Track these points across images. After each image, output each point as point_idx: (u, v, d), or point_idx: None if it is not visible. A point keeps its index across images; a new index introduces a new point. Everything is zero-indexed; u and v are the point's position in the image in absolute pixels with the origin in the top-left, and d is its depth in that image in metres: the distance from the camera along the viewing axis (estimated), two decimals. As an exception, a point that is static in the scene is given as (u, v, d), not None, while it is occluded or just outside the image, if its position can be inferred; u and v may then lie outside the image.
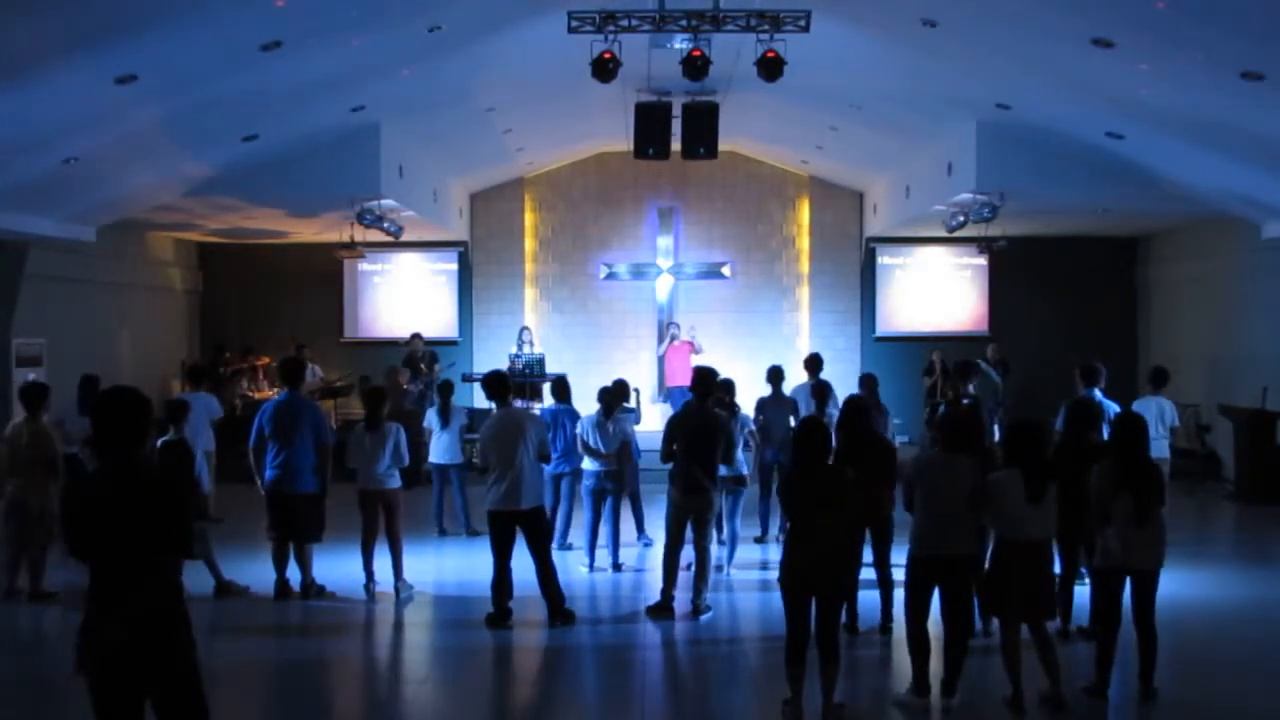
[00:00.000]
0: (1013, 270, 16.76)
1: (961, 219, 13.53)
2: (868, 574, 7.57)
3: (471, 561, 9.37)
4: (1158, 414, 9.26)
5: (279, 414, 8.21)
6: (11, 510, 8.32)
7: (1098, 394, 8.76)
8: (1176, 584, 7.64)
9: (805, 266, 17.71)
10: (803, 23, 8.94)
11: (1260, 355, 13.56)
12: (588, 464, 9.29)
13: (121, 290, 14.66)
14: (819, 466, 5.84)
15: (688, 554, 7.91)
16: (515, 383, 11.45)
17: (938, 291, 17.61)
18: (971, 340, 16.69)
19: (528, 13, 9.82)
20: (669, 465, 7.90)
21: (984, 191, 12.28)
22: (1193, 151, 10.75)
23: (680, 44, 9.77)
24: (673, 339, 16.14)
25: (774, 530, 10.10)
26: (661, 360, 16.80)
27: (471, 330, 17.62)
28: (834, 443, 7.53)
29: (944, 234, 14.91)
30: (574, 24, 9.01)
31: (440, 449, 10.66)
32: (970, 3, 8.77)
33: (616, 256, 17.54)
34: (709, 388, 8.10)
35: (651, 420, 16.02)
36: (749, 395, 10.93)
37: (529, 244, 17.71)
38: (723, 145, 13.11)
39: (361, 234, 13.89)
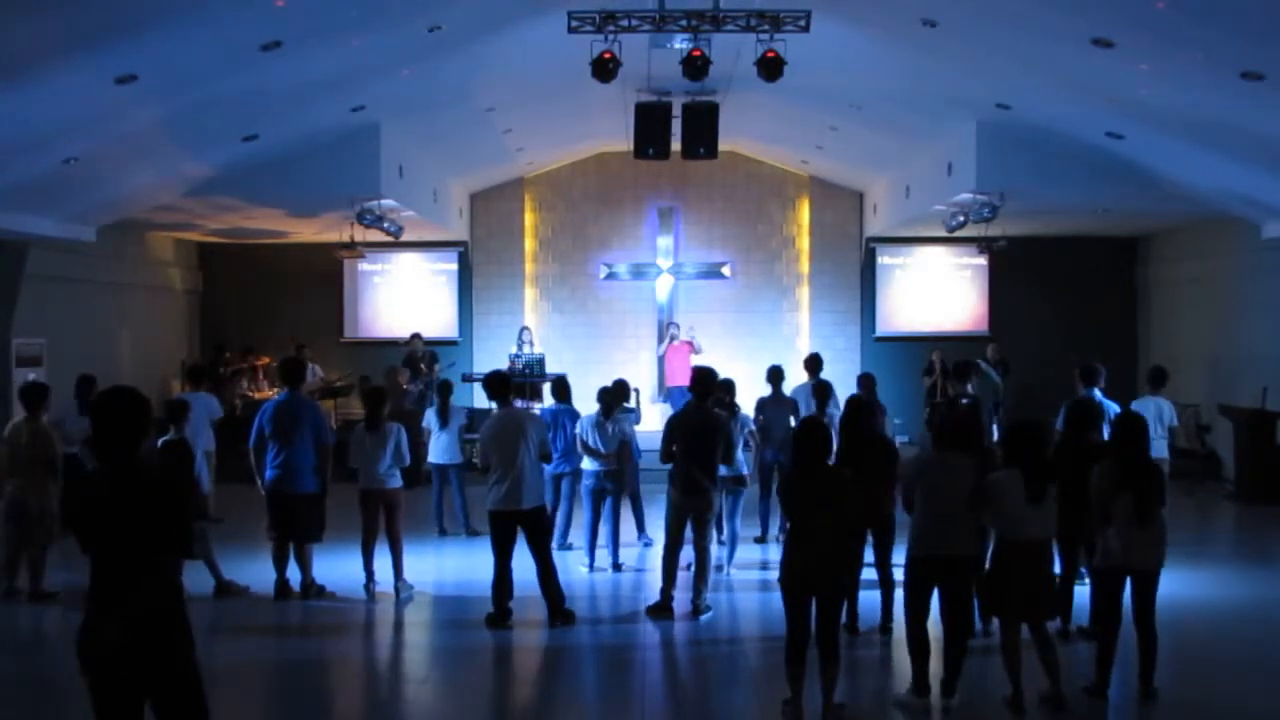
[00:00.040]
0: (1013, 270, 16.76)
1: (961, 219, 13.53)
2: (869, 574, 7.58)
3: (471, 561, 9.38)
4: (1156, 414, 9.25)
5: (279, 414, 8.21)
6: (11, 510, 8.32)
7: (1097, 394, 8.76)
8: (1176, 584, 7.64)
9: (805, 266, 17.71)
10: (803, 23, 8.94)
11: (1260, 355, 13.56)
12: (587, 464, 9.30)
13: (121, 290, 14.66)
14: (819, 466, 5.84)
15: (688, 554, 7.91)
16: (515, 383, 11.45)
17: (938, 291, 17.61)
18: (971, 340, 16.70)
19: (528, 13, 9.82)
20: (669, 465, 7.90)
21: (984, 191, 12.28)
22: (1193, 151, 10.75)
23: (680, 44, 9.77)
24: (672, 339, 16.15)
25: (774, 530, 10.10)
26: (661, 360, 16.80)
27: (471, 330, 17.62)
28: (836, 442, 7.56)
29: (944, 234, 14.91)
30: (574, 24, 9.01)
31: (439, 449, 10.66)
32: (970, 3, 8.78)
33: (616, 256, 17.54)
34: (708, 388, 8.10)
35: (651, 420, 16.03)
36: (749, 395, 10.94)
37: (529, 244, 17.71)
38: (723, 145, 13.12)
39: (361, 234, 13.89)
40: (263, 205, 13.43)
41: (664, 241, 17.39)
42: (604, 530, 9.30)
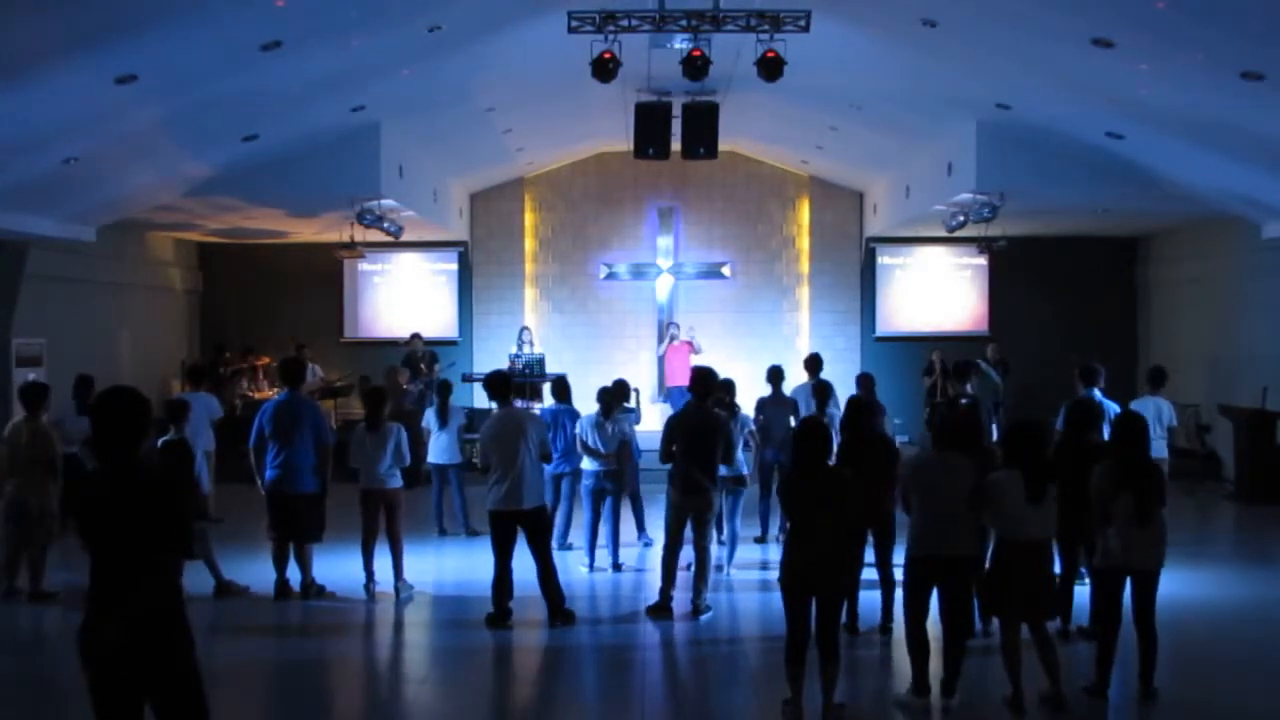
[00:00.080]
0: (1013, 270, 16.76)
1: (961, 219, 13.53)
2: (870, 574, 7.58)
3: (471, 561, 9.38)
4: (1155, 414, 9.25)
5: (279, 414, 8.21)
6: (11, 510, 8.32)
7: (1097, 394, 8.76)
8: (1176, 584, 7.64)
9: (805, 266, 17.71)
10: (803, 23, 8.93)
11: (1260, 355, 13.56)
12: (587, 464, 9.30)
13: (121, 290, 14.66)
14: (819, 466, 5.84)
15: (688, 554, 7.91)
16: (515, 383, 11.45)
17: (938, 291, 17.61)
18: (971, 340, 16.70)
19: (528, 13, 9.82)
20: (669, 465, 7.90)
21: (984, 191, 12.28)
22: (1193, 151, 10.75)
23: (680, 44, 9.77)
24: (672, 339, 16.15)
25: (774, 530, 10.10)
26: (661, 360, 16.80)
27: (471, 330, 17.62)
28: (837, 442, 7.56)
29: (944, 234, 14.91)
30: (574, 24, 9.01)
31: (439, 449, 10.66)
32: (970, 3, 8.78)
33: (616, 256, 17.54)
34: (708, 388, 8.10)
35: (651, 420, 16.02)
36: (749, 395, 10.94)
37: (529, 244, 17.71)
38: (723, 145, 13.11)
39: (361, 234, 13.89)
40: (263, 205, 13.42)
41: (664, 241, 17.39)
42: (604, 530, 9.30)
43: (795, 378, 11.54)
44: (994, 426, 12.12)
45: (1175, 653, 6.55)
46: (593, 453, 9.19)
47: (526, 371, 14.88)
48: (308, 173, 11.99)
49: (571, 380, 10.36)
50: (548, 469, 8.76)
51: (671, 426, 7.99)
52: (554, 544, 8.78)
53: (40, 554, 8.35)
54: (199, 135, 10.44)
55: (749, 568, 9.23)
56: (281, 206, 13.55)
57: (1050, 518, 5.85)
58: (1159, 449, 9.02)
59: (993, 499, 5.84)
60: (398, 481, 8.49)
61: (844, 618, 6.77)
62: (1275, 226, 12.38)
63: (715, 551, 8.73)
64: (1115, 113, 10.31)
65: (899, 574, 6.45)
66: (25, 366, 12.05)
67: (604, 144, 16.67)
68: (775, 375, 10.50)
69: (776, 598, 6.06)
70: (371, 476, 8.39)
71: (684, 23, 9.04)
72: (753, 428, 9.75)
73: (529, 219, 17.70)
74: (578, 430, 9.32)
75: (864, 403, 8.03)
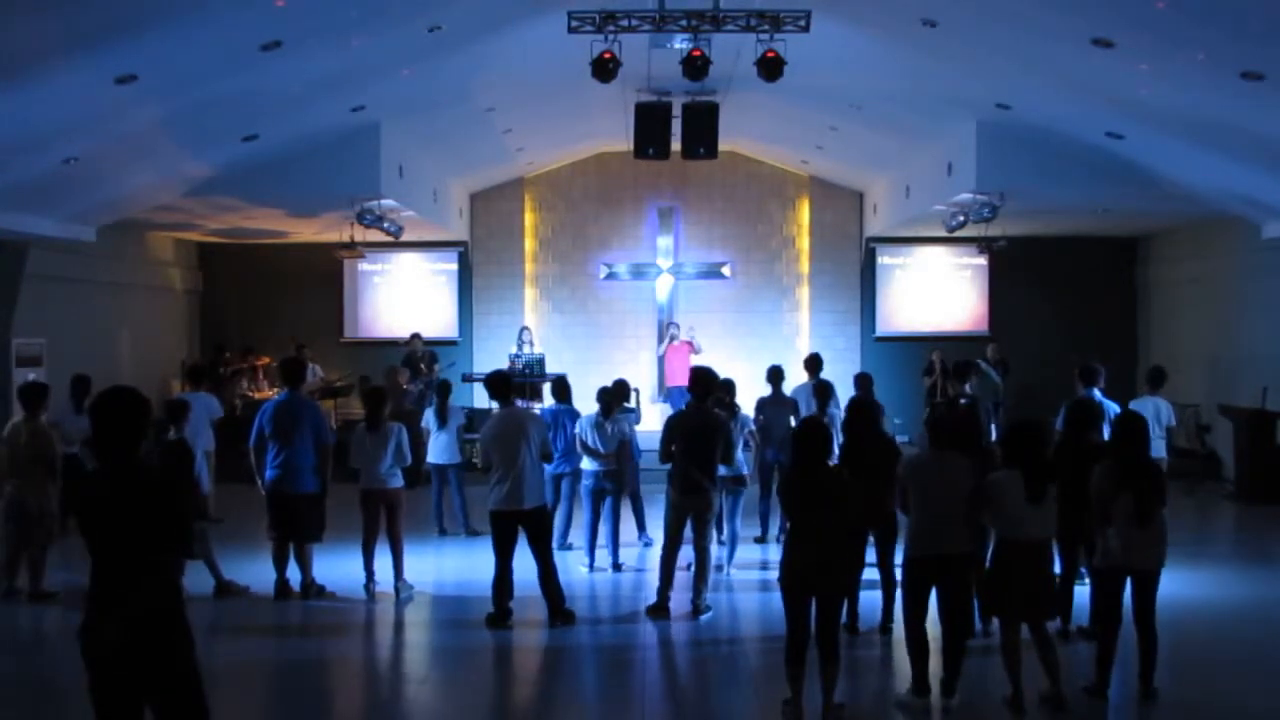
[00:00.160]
0: (1013, 270, 16.76)
1: (961, 219, 13.53)
2: (871, 574, 7.58)
3: (471, 561, 9.38)
4: (1155, 414, 9.25)
5: (279, 414, 8.21)
6: (11, 510, 8.32)
7: (1097, 394, 8.76)
8: (1176, 584, 7.63)
9: (805, 266, 17.71)
10: (803, 23, 8.93)
11: (1260, 355, 13.56)
12: (587, 464, 9.30)
13: (121, 290, 14.66)
14: (819, 466, 5.84)
15: (688, 554, 7.91)
16: (516, 383, 11.45)
17: (938, 291, 17.62)
18: (971, 340, 16.70)
19: (528, 13, 9.82)
20: (668, 465, 7.90)
21: (984, 191, 12.28)
22: (1193, 151, 10.75)
23: (680, 44, 9.77)
24: (672, 339, 16.15)
25: (774, 530, 10.10)
26: (661, 360, 16.80)
27: (471, 330, 17.62)
28: (839, 442, 7.55)
29: (944, 234, 14.91)
30: (574, 24, 9.01)
31: (438, 449, 10.66)
32: (970, 3, 8.78)
33: (616, 256, 17.54)
34: (707, 388, 8.10)
35: (651, 420, 16.02)
36: (749, 395, 10.94)
37: (529, 244, 17.71)
38: (723, 145, 13.11)
39: (361, 234, 13.89)
40: (263, 205, 13.42)
41: (664, 241, 17.39)
42: (604, 530, 9.30)
43: (795, 378, 11.54)
44: (993, 426, 12.13)
45: (1175, 653, 6.55)
46: (592, 453, 9.19)
47: (526, 371, 14.88)
48: (308, 173, 11.99)
49: (571, 380, 10.36)
50: (548, 469, 8.76)
51: (671, 426, 8.00)
52: (554, 544, 8.78)
53: (40, 554, 8.35)
54: (199, 135, 10.44)
55: (749, 568, 9.22)
56: (281, 206, 13.55)
57: (1050, 518, 5.86)
58: (1158, 449, 9.02)
59: (993, 499, 5.84)
60: (399, 481, 8.49)
61: (844, 618, 6.77)
62: (1275, 226, 12.38)
63: (715, 551, 8.73)
64: (1115, 113, 10.31)
65: (900, 574, 6.45)
66: (25, 366, 12.04)
67: (604, 144, 16.66)
68: (775, 375, 10.50)
69: (776, 598, 6.06)
70: (372, 476, 8.39)
71: (684, 23, 9.04)
72: (753, 428, 9.75)
73: (529, 219, 17.70)
74: (577, 430, 9.32)
75: (865, 403, 8.03)
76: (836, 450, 7.87)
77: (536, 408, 13.35)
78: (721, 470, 8.13)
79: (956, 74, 10.59)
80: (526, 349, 15.44)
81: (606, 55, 9.18)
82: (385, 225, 13.42)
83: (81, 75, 7.88)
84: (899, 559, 6.46)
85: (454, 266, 17.65)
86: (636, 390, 13.95)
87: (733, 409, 9.17)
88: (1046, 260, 16.89)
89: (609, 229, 17.57)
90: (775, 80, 9.26)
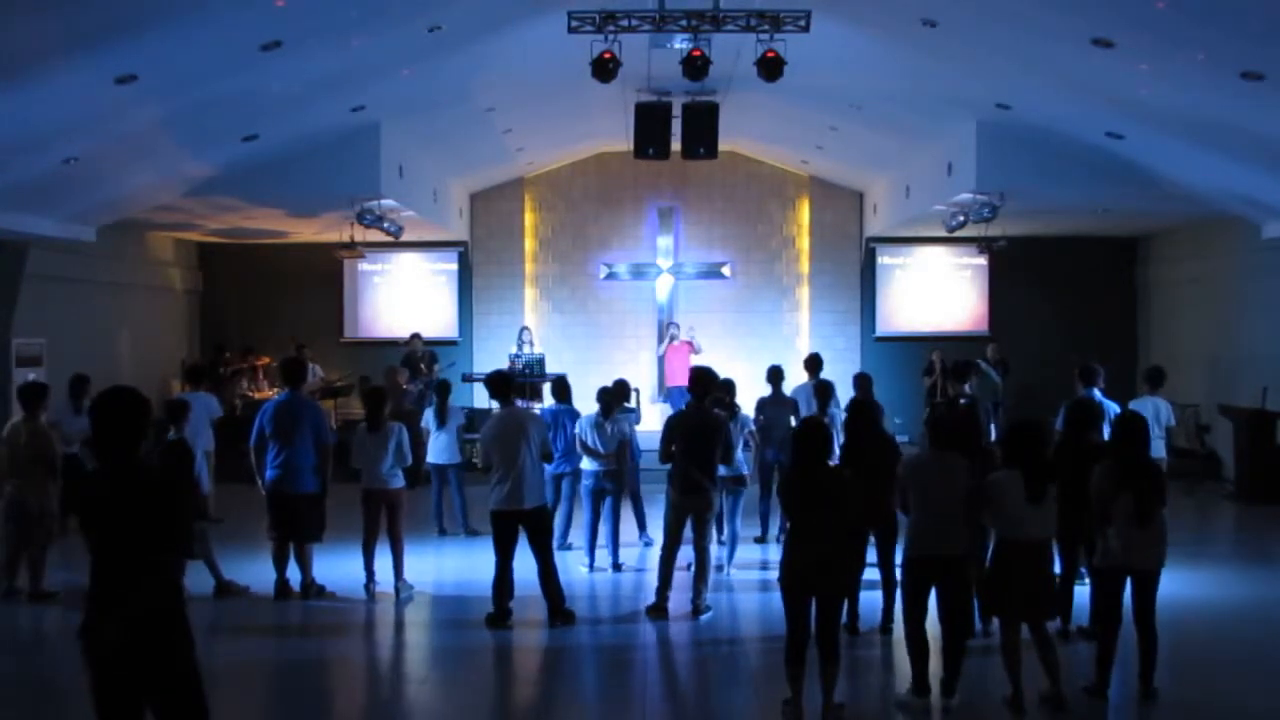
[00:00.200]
0: (1013, 270, 16.76)
1: (961, 219, 13.53)
2: (872, 574, 7.58)
3: (471, 561, 9.38)
4: (1154, 414, 9.24)
5: (279, 414, 8.21)
6: (11, 510, 8.32)
7: (1097, 394, 8.76)
8: (1176, 584, 7.63)
9: (805, 266, 17.71)
10: (803, 23, 8.93)
11: (1260, 355, 13.56)
12: (587, 464, 9.30)
13: (121, 290, 14.66)
14: (819, 466, 5.83)
15: (688, 554, 7.91)
16: (516, 383, 11.45)
17: (938, 291, 17.62)
18: (971, 340, 16.70)
19: (528, 13, 9.82)
20: (668, 465, 7.90)
21: (984, 191, 12.28)
22: (1193, 151, 10.75)
23: (680, 44, 9.77)
24: (672, 339, 16.15)
25: (774, 530, 10.10)
26: (661, 360, 16.80)
27: (471, 330, 17.62)
28: (841, 442, 7.55)
29: (944, 234, 14.91)
30: (574, 24, 9.01)
31: (438, 449, 10.65)
32: (970, 3, 8.78)
33: (616, 256, 17.54)
34: (706, 388, 8.10)
35: (651, 420, 16.02)
36: (749, 395, 10.94)
37: (529, 244, 17.71)
38: (723, 145, 13.11)
39: (361, 234, 13.89)
40: (263, 205, 13.42)
41: (664, 241, 17.39)
42: (604, 530, 9.30)
43: (795, 378, 11.53)
44: (993, 426, 12.14)
45: (1175, 653, 6.55)
46: (592, 453, 9.19)
47: (526, 371, 14.88)
48: (308, 173, 11.99)
49: (571, 380, 10.36)
50: (548, 469, 8.76)
51: (670, 426, 8.00)
52: (554, 544, 8.78)
53: (40, 554, 8.35)
54: (199, 135, 10.44)
55: (749, 568, 9.22)
56: (281, 206, 13.55)
57: (1050, 518, 5.86)
58: (1157, 449, 9.01)
59: (993, 499, 5.84)
60: (400, 481, 8.49)
61: (844, 618, 6.77)
62: (1275, 226, 12.38)
63: (715, 551, 8.74)
64: (1115, 113, 10.31)
65: (900, 574, 6.45)
66: (25, 366, 12.04)
67: (604, 144, 16.66)
68: (775, 375, 10.51)
69: (776, 598, 6.06)
70: (373, 477, 8.39)
71: (684, 23, 9.04)
72: (753, 428, 9.75)
73: (529, 219, 17.70)
74: (577, 430, 9.32)
75: (866, 403, 8.03)
76: (837, 450, 7.87)
77: (536, 408, 13.35)
78: (721, 470, 8.13)
79: (956, 74, 10.59)
80: (526, 349, 15.44)
81: (606, 55, 9.18)
82: (385, 225, 13.42)
83: (81, 75, 7.88)
84: (899, 559, 6.46)
85: (454, 266, 17.65)
86: (637, 390, 13.94)
87: (733, 409, 9.17)
88: (1046, 260, 16.89)
89: (609, 229, 17.57)
90: (775, 80, 9.26)
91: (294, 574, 8.34)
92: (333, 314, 17.57)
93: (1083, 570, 7.38)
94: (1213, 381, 14.73)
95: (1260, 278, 13.77)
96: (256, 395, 15.38)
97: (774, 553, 9.44)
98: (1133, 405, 8.83)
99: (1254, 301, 14.03)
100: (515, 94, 12.55)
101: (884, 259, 17.64)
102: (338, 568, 8.77)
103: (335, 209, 13.35)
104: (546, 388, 14.02)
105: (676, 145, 12.62)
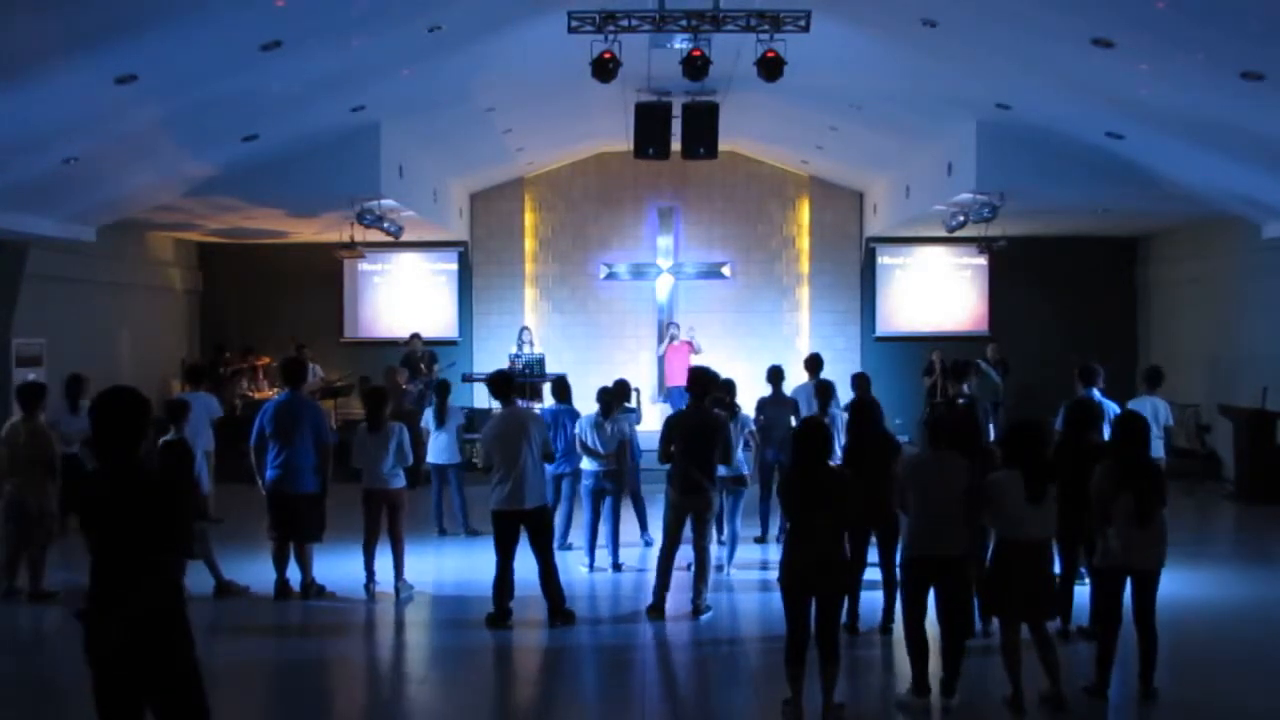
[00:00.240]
0: (1013, 270, 16.76)
1: (961, 219, 13.53)
2: (873, 574, 7.58)
3: (471, 561, 9.38)
4: (1152, 414, 9.23)
5: (280, 414, 8.21)
6: (11, 510, 8.32)
7: (1097, 394, 8.76)
8: (1176, 584, 7.63)
9: (805, 266, 17.71)
10: (803, 23, 8.94)
11: (1260, 355, 13.56)
12: (587, 464, 9.30)
13: (121, 290, 14.66)
14: (819, 466, 5.83)
15: (688, 554, 7.91)
16: (516, 383, 11.45)
17: (938, 291, 17.62)
18: (971, 340, 16.71)
19: (528, 13, 9.82)
20: (668, 465, 7.90)
21: (984, 191, 12.28)
22: (1193, 151, 10.75)
23: (680, 44, 9.77)
24: (672, 339, 16.15)
25: (774, 530, 10.10)
26: (661, 360, 16.80)
27: (471, 330, 17.62)
28: (843, 442, 7.55)
29: (944, 234, 14.91)
30: (574, 24, 9.01)
31: (437, 449, 10.65)
32: (970, 3, 8.78)
33: (616, 256, 17.54)
34: (705, 388, 8.10)
35: (652, 420, 16.02)
36: (749, 395, 10.94)
37: (529, 244, 17.71)
38: (723, 145, 13.11)
39: (361, 234, 13.89)
40: (263, 205, 13.42)
41: (664, 241, 17.39)
42: (604, 530, 9.30)
43: (795, 378, 11.53)
44: (992, 427, 12.14)
45: (1175, 653, 6.55)
46: (592, 453, 9.19)
47: (526, 371, 14.88)
48: (308, 173, 11.99)
49: (571, 380, 10.36)
50: (548, 469, 8.76)
51: (670, 426, 8.00)
52: (554, 544, 8.79)
53: (40, 554, 8.35)
54: (199, 135, 10.44)
55: (749, 568, 9.22)
56: (281, 206, 13.55)
57: (1050, 518, 5.86)
58: (1155, 449, 9.00)
59: (993, 499, 5.84)
60: (401, 481, 8.50)
61: (845, 618, 6.77)
62: (1275, 226, 12.38)
63: (715, 551, 8.74)
64: (1115, 113, 10.31)
65: (899, 574, 6.45)
66: (25, 366, 12.04)
67: (604, 144, 16.66)
68: (775, 375, 10.51)
69: (776, 598, 6.06)
70: (374, 477, 8.39)
71: (684, 23, 9.04)
72: (753, 428, 9.75)
73: (529, 219, 17.70)
74: (577, 430, 9.32)
75: (867, 402, 8.03)
76: (838, 450, 7.86)
77: (537, 408, 13.35)
78: (721, 470, 8.13)
79: (956, 74, 10.58)
80: (526, 349, 15.44)
81: (606, 55, 9.18)
82: (385, 225, 13.42)
83: (81, 75, 7.88)
84: (899, 559, 6.46)
85: (454, 266, 17.65)
86: (637, 390, 13.94)
87: (733, 409, 9.16)
88: (1046, 260, 16.89)
89: (609, 229, 17.57)
90: (775, 80, 9.26)
91: (294, 574, 8.34)
92: (333, 314, 17.57)
93: (1083, 570, 7.38)
94: (1213, 381, 14.73)
95: (1260, 278, 13.77)
96: (256, 395, 15.38)
97: (774, 553, 9.43)
98: (1131, 405, 8.83)
99: (1254, 301, 14.03)
100: (515, 94, 12.55)
101: (884, 259, 17.64)
102: (338, 568, 8.77)
103: (335, 209, 13.35)
104: (546, 388, 14.02)
105: (676, 145, 12.62)
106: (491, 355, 16.52)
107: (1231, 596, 8.48)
